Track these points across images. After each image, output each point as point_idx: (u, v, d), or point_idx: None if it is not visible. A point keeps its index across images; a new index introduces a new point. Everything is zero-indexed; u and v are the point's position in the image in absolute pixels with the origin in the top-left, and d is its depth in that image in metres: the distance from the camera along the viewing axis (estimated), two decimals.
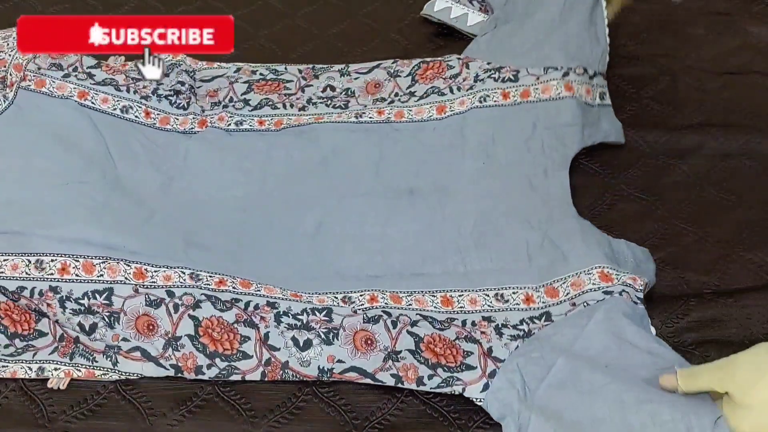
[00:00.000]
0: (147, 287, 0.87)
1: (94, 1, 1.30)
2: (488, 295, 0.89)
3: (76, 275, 0.87)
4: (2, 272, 0.87)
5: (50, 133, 1.00)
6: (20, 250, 0.88)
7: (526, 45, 1.09)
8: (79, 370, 0.85)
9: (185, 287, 0.87)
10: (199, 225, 0.97)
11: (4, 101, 1.01)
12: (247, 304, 0.87)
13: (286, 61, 1.18)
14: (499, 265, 0.91)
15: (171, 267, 0.88)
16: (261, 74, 1.13)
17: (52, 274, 0.87)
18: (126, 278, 0.87)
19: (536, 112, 1.03)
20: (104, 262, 0.88)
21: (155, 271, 0.88)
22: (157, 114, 1.07)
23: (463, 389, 0.80)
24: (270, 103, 1.09)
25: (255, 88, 1.11)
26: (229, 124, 1.06)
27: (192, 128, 1.06)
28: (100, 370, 0.85)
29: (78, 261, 0.88)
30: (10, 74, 1.04)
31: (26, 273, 0.87)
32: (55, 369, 0.85)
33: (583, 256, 0.89)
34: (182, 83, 1.10)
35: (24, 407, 0.83)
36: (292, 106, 1.09)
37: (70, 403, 0.83)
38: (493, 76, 1.06)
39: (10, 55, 1.07)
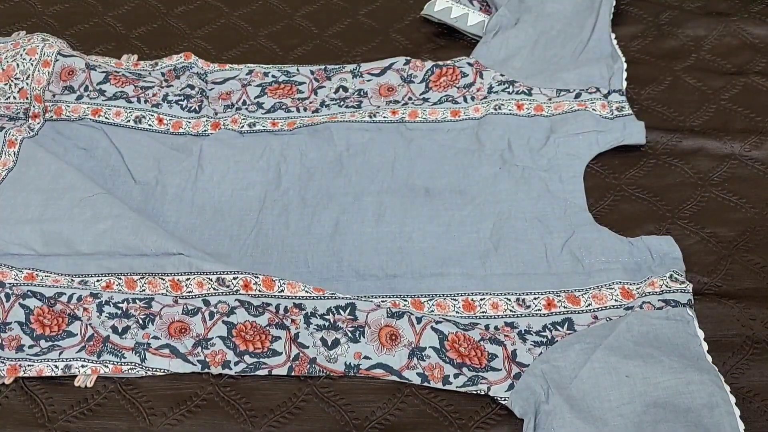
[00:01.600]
0: (185, 297, 0.89)
1: (94, 1, 1.30)
2: (510, 300, 0.89)
3: (119, 290, 0.90)
4: (41, 282, 0.90)
5: (72, 153, 1.05)
6: (64, 272, 0.92)
7: (538, 64, 1.11)
8: (107, 367, 0.85)
9: (219, 294, 0.89)
10: (217, 228, 0.98)
11: (30, 132, 1.05)
12: (277, 307, 0.88)
13: (286, 61, 1.18)
14: (519, 269, 0.91)
15: (199, 273, 0.90)
16: (273, 76, 1.14)
17: (96, 290, 0.90)
18: (166, 291, 0.90)
19: (550, 124, 1.04)
20: (143, 278, 0.91)
21: (187, 280, 0.90)
22: (170, 119, 1.08)
23: (489, 388, 0.81)
24: (284, 106, 1.10)
25: (268, 92, 1.12)
26: (242, 126, 1.07)
27: (205, 131, 1.07)
28: (127, 365, 0.85)
29: (120, 279, 0.91)
30: (34, 106, 1.08)
31: (68, 285, 0.91)
32: (82, 366, 0.85)
33: (603, 271, 0.90)
34: (192, 87, 1.10)
35: (24, 407, 0.82)
36: (305, 109, 1.09)
37: (70, 402, 0.83)
38: (507, 89, 1.08)
39: (26, 83, 1.09)
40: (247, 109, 1.10)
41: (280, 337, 0.86)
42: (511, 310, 0.88)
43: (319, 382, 0.84)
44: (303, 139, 1.05)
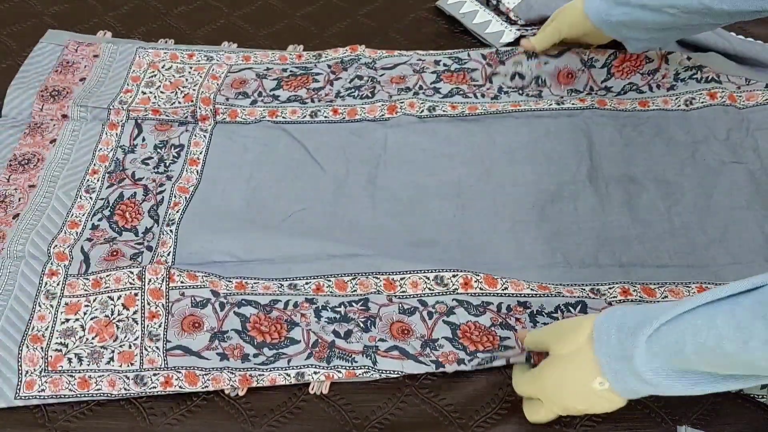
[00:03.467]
0: (400, 297, 0.88)
1: (94, 1, 1.30)
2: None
3: (330, 292, 0.89)
4: (253, 291, 0.89)
5: (253, 151, 1.04)
6: (271, 276, 0.90)
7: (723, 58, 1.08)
8: (340, 372, 0.83)
9: (436, 295, 0.87)
10: (417, 216, 0.97)
11: (204, 135, 1.05)
12: (499, 305, 0.87)
13: None
14: (746, 259, 0.90)
15: (414, 272, 0.89)
16: (445, 65, 1.12)
17: (307, 292, 0.89)
18: (378, 290, 0.88)
19: (744, 115, 1.03)
20: (354, 279, 0.89)
21: (402, 279, 0.89)
22: (344, 108, 1.08)
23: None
24: (461, 92, 1.08)
25: (444, 78, 1.10)
26: (422, 111, 1.06)
27: (382, 115, 1.06)
28: (360, 369, 0.83)
29: (330, 281, 0.89)
30: (200, 108, 1.07)
31: (279, 292, 0.89)
32: (314, 373, 0.83)
33: None
34: (361, 77, 1.10)
35: (24, 407, 0.82)
36: (483, 96, 1.08)
37: (70, 402, 0.83)
38: (695, 76, 1.06)
39: (193, 90, 1.10)
40: (424, 93, 1.08)
41: (508, 337, 0.84)
42: None
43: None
44: (492, 126, 1.04)
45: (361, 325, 0.86)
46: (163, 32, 1.24)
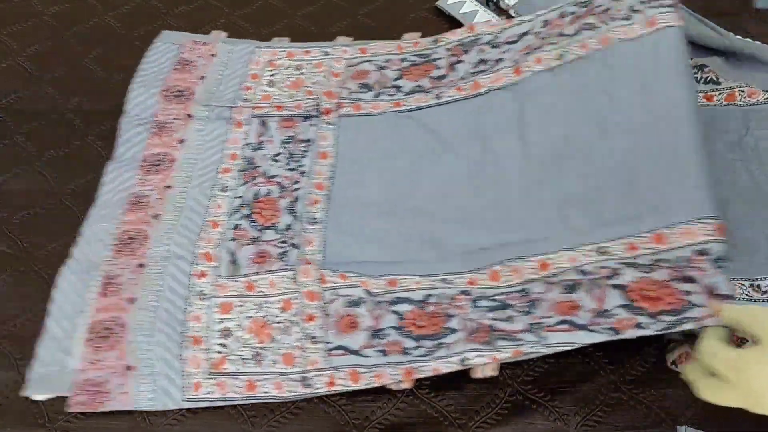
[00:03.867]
0: (556, 275, 0.82)
1: (94, 1, 1.30)
2: (744, 285, 0.86)
3: (485, 284, 0.85)
4: (405, 287, 0.87)
5: (381, 143, 1.02)
6: (421, 273, 0.87)
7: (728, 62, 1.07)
8: (506, 352, 0.78)
9: (595, 262, 0.80)
10: (568, 181, 0.90)
11: (330, 128, 1.04)
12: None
13: None
14: (739, 259, 0.88)
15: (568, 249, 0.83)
16: (572, 12, 1.04)
17: (461, 285, 0.86)
18: (534, 276, 0.83)
19: (745, 115, 1.01)
20: (508, 267, 0.85)
21: (558, 256, 0.83)
22: (467, 84, 1.04)
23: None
24: (590, 26, 1.01)
25: (569, 22, 1.04)
26: (550, 63, 0.99)
27: (508, 81, 1.01)
28: (527, 345, 0.78)
29: (483, 273, 0.86)
30: (323, 101, 1.07)
31: (432, 286, 0.86)
32: (478, 357, 0.79)
33: None
34: (485, 61, 1.06)
35: (24, 407, 0.83)
36: (613, 19, 0.98)
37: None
38: (695, 75, 1.03)
39: (313, 86, 1.10)
40: (549, 42, 1.01)
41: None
42: (747, 295, 0.86)
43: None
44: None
45: (523, 310, 0.81)
46: None
